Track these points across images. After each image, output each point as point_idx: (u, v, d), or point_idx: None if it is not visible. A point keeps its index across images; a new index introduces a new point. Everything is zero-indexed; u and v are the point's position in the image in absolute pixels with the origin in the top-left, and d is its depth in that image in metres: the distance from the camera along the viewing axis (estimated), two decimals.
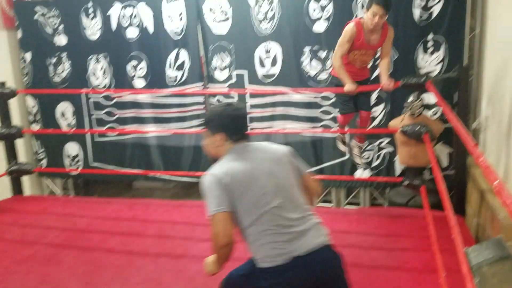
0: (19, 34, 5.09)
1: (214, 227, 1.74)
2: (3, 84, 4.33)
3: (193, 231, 3.69)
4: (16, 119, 4.83)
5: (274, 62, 4.41)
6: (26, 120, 5.31)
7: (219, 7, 4.43)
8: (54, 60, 5.03)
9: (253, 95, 4.56)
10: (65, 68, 5.03)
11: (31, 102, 5.23)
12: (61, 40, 4.97)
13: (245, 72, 4.53)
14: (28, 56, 5.10)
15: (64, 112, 5.17)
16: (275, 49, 4.38)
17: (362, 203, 4.63)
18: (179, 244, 3.47)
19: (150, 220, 3.95)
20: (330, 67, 4.16)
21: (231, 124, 1.91)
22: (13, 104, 4.71)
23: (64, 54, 4.99)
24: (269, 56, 4.41)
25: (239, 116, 1.95)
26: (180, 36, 4.63)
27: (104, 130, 5.05)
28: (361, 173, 4.15)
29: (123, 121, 5.01)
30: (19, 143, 4.79)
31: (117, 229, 3.73)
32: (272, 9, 4.28)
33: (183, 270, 3.04)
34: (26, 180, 4.98)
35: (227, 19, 4.44)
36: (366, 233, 3.42)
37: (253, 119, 4.60)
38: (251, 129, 4.60)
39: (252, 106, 4.59)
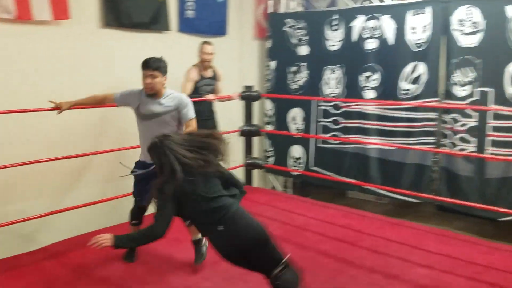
0: (269, 44, 5.74)
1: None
2: (251, 87, 4.96)
3: (410, 254, 3.48)
4: (255, 119, 5.44)
5: None
6: (262, 121, 5.94)
7: (470, 19, 4.07)
8: (294, 69, 5.50)
9: (497, 117, 4.04)
10: (302, 77, 5.43)
11: (268, 105, 5.83)
12: (303, 50, 5.38)
13: (491, 90, 4.04)
14: (273, 64, 5.70)
15: (295, 117, 5.58)
16: None
17: None
18: (394, 264, 3.32)
19: (365, 232, 3.91)
20: None
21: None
22: (255, 106, 5.33)
23: (303, 64, 5.39)
24: None
25: None
26: (421, 49, 4.44)
27: (328, 137, 5.25)
28: None
29: (346, 130, 5.11)
30: (255, 141, 5.38)
31: (332, 233, 3.81)
32: None
33: None
34: (255, 172, 5.57)
35: (477, 31, 4.05)
36: None
37: (494, 144, 4.07)
38: (491, 153, 4.08)
39: (495, 129, 4.06)
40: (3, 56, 3.60)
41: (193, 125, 3.05)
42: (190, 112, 3.05)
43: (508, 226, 4.31)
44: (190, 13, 4.90)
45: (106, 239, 2.12)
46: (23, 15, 3.58)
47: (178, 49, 4.74)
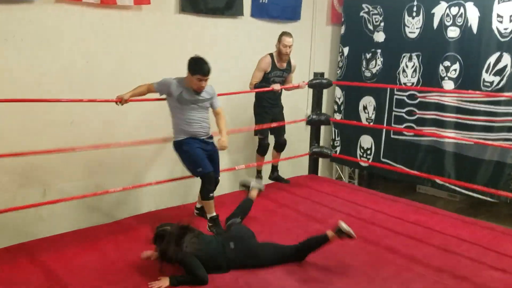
0: (342, 29, 5.60)
1: None
2: (322, 74, 4.87)
3: (484, 256, 3.29)
4: (324, 107, 5.36)
5: None
6: (331, 109, 5.84)
7: None
8: (368, 55, 5.32)
9: None
10: (377, 64, 5.25)
11: (338, 93, 5.71)
12: (379, 37, 5.19)
13: None
14: (346, 50, 5.56)
15: (366, 106, 5.43)
16: None
17: None
18: (465, 264, 3.15)
19: (435, 229, 3.74)
20: None
21: None
22: (324, 93, 5.24)
23: (379, 51, 5.21)
24: None
25: None
26: (507, 39, 4.13)
27: (402, 129, 5.04)
28: None
29: (422, 122, 4.88)
30: (321, 129, 5.31)
31: (400, 229, 3.69)
32: None
33: None
34: (320, 162, 5.51)
35: None
36: None
37: None
38: None
39: None
40: (86, 38, 3.84)
41: (222, 112, 3.61)
42: (219, 101, 3.61)
43: None
44: None
45: (163, 282, 2.63)
46: (108, 0, 3.78)
47: (250, 34, 4.78)
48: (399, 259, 3.15)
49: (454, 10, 4.48)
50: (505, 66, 4.18)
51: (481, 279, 2.92)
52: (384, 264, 3.07)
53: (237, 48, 4.79)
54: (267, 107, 4.44)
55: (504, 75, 4.20)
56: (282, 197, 4.34)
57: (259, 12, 4.88)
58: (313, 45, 5.57)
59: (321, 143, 5.26)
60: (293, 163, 5.09)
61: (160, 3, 4.17)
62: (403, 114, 5.04)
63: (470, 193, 4.48)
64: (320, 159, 5.26)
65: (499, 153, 4.32)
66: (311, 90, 5.03)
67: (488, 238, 3.59)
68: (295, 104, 5.36)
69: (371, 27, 5.26)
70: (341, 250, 3.20)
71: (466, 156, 4.56)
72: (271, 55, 4.33)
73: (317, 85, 4.82)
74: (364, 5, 5.29)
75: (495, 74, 4.26)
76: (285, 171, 4.96)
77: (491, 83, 4.28)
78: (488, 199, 4.38)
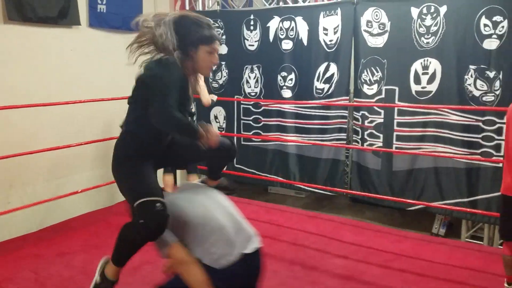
0: None
1: None
2: None
3: (327, 245, 3.65)
4: None
5: (431, 79, 4.14)
6: None
7: (377, 20, 4.33)
8: (214, 67, 5.46)
9: (401, 113, 4.35)
10: (223, 75, 5.44)
11: None
12: (223, 49, 5.37)
13: (396, 88, 4.35)
14: None
15: (217, 115, 5.58)
16: (434, 65, 4.11)
17: None
18: (312, 255, 3.46)
19: (285, 226, 4.03)
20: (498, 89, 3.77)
21: None
22: None
23: (223, 63, 5.40)
24: (427, 72, 4.15)
25: None
26: (332, 49, 4.65)
27: (250, 135, 5.31)
28: None
29: (267, 128, 5.21)
30: None
31: (255, 230, 3.86)
32: (436, 24, 4.04)
33: (316, 282, 3.02)
34: (179, 172, 5.43)
35: (384, 32, 4.32)
36: None
37: (399, 138, 4.38)
38: (396, 148, 4.39)
39: (399, 124, 4.37)
40: None
41: None
42: None
43: (415, 215, 4.67)
44: (101, 7, 4.67)
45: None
46: None
47: (88, 45, 4.51)
48: None
49: (286, 24, 4.86)
50: (333, 75, 4.69)
51: (327, 267, 3.23)
52: None
53: (73, 59, 4.46)
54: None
55: (332, 83, 4.70)
56: None
57: (97, 21, 4.64)
58: None
59: None
60: None
61: None
62: (251, 122, 5.32)
63: (313, 189, 4.93)
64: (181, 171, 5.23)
65: (334, 152, 4.84)
66: None
67: (330, 229, 3.99)
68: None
69: None
70: None
71: (307, 157, 5.00)
72: None
73: None
74: None
75: (324, 82, 4.74)
76: None
77: (322, 90, 4.78)
78: (328, 193, 4.87)
